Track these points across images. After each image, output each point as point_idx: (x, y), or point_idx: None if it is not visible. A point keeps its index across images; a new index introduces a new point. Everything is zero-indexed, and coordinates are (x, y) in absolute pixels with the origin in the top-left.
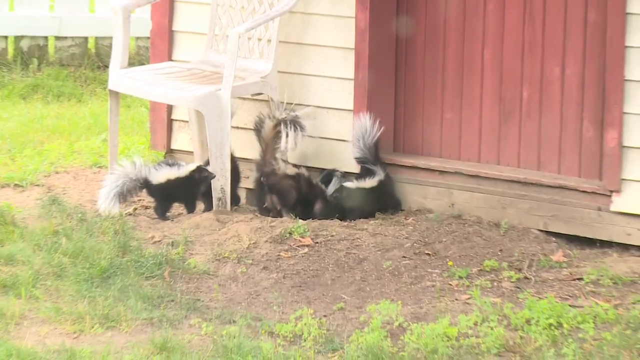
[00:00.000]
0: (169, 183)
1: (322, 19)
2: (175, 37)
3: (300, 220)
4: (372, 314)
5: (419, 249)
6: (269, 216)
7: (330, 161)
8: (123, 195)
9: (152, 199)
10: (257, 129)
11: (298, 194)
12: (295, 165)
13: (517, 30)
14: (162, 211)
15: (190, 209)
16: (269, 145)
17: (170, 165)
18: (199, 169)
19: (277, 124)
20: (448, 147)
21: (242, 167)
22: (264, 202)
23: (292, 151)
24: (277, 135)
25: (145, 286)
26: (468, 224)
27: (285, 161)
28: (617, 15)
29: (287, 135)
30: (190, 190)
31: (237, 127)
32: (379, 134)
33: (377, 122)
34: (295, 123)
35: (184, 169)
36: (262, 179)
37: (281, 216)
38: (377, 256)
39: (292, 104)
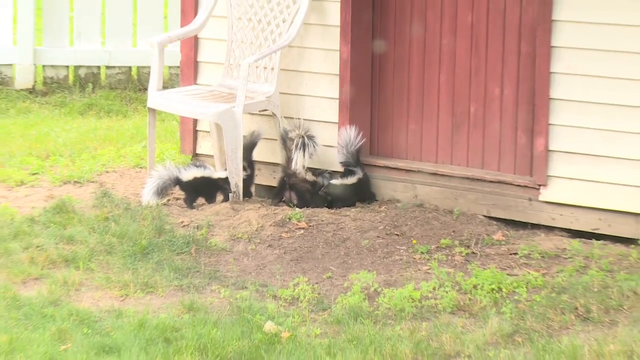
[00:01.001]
0: (196, 180)
1: (314, 51)
2: (200, 66)
3: (297, 209)
4: (353, 281)
5: (389, 231)
6: (276, 206)
7: (320, 162)
8: (160, 192)
9: (182, 193)
10: (283, 140)
11: (310, 196)
12: (314, 174)
13: (466, 59)
14: (189, 202)
15: (211, 201)
16: (292, 153)
17: (197, 166)
18: (226, 179)
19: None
20: (412, 151)
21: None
22: (282, 196)
23: (303, 168)
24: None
25: (176, 260)
26: (428, 211)
27: (306, 169)
28: (544, 47)
29: (297, 156)
30: (212, 188)
31: None
32: (360, 143)
33: (360, 134)
34: (308, 142)
35: (210, 171)
36: (285, 178)
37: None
38: (357, 236)
39: (299, 118)
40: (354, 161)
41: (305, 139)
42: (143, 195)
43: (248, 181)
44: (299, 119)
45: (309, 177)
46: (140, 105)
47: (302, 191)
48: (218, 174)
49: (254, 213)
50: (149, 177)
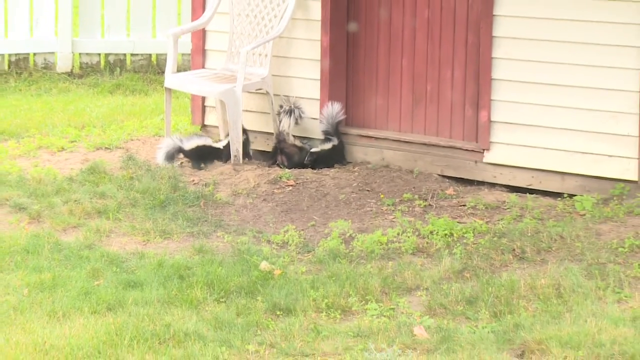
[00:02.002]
0: (197, 148)
1: (300, 41)
2: (207, 53)
3: (287, 170)
4: (333, 228)
5: (362, 187)
6: (270, 167)
7: (305, 131)
8: (168, 158)
9: (186, 159)
10: (278, 113)
11: (298, 159)
12: (299, 139)
13: (423, 47)
14: (194, 166)
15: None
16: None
17: (198, 137)
18: (227, 146)
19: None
20: (380, 121)
21: (250, 135)
22: (275, 159)
23: (288, 128)
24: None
25: (188, 212)
26: (393, 171)
27: (294, 136)
28: (487, 37)
29: (282, 120)
30: (210, 155)
31: (249, 111)
32: (341, 118)
33: (342, 110)
34: (295, 110)
35: (208, 140)
36: (277, 145)
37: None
38: (336, 192)
39: (288, 96)
40: (332, 131)
41: (292, 106)
42: (157, 157)
43: (245, 145)
44: (288, 96)
45: (297, 143)
46: (159, 86)
47: (291, 154)
48: (216, 143)
49: (251, 173)
50: (158, 147)
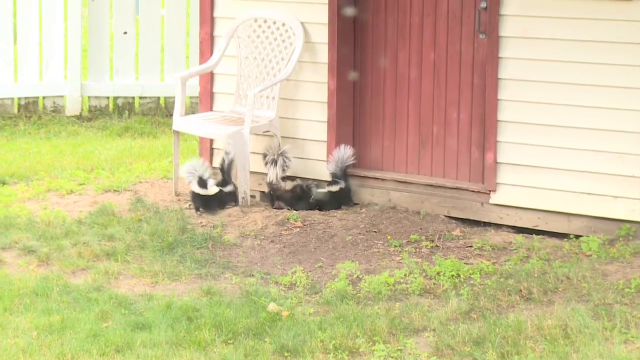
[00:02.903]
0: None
1: (307, 84)
2: (215, 96)
3: (294, 211)
4: (340, 269)
5: (369, 229)
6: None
7: (312, 174)
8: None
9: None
10: (266, 162)
11: (295, 200)
12: (292, 179)
13: (429, 89)
14: (196, 208)
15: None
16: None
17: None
18: (221, 192)
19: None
20: (386, 163)
21: (257, 178)
22: (274, 205)
23: (276, 178)
24: (276, 168)
25: (196, 253)
26: (400, 212)
27: (285, 180)
28: (493, 79)
29: (270, 171)
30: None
31: (257, 153)
32: (350, 162)
33: (353, 155)
34: (281, 158)
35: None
36: (271, 192)
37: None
38: (343, 233)
39: (282, 146)
40: (341, 174)
41: (276, 155)
42: (182, 171)
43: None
44: (283, 141)
45: (288, 185)
46: (167, 128)
47: (288, 199)
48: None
49: (259, 215)
50: (188, 168)
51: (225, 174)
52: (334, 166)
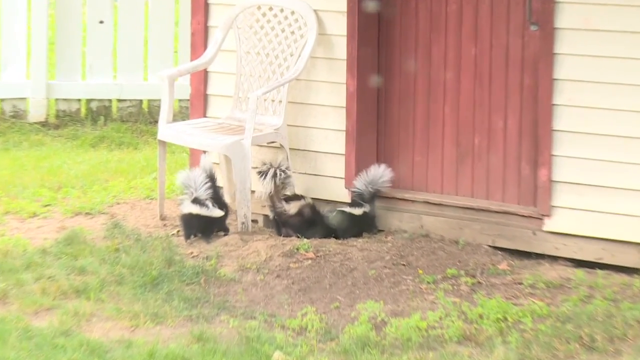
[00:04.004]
0: (189, 216)
1: (321, 84)
2: (209, 99)
3: (305, 239)
4: (361, 311)
5: (396, 261)
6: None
7: (326, 193)
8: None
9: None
10: (259, 176)
11: (304, 224)
12: (299, 197)
13: (469, 90)
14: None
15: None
16: (274, 190)
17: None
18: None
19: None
20: (418, 182)
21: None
22: (280, 232)
23: (266, 194)
24: (278, 184)
25: (186, 290)
26: (434, 241)
27: (289, 200)
28: (547, 80)
29: (263, 185)
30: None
31: (257, 168)
32: (384, 187)
33: (390, 179)
34: (275, 169)
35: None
36: (275, 218)
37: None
38: (364, 266)
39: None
40: (368, 197)
41: (270, 166)
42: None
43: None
44: (300, 150)
45: (294, 208)
46: (151, 138)
47: (293, 224)
48: (212, 211)
49: (262, 244)
50: (185, 180)
51: (222, 194)
52: (363, 185)
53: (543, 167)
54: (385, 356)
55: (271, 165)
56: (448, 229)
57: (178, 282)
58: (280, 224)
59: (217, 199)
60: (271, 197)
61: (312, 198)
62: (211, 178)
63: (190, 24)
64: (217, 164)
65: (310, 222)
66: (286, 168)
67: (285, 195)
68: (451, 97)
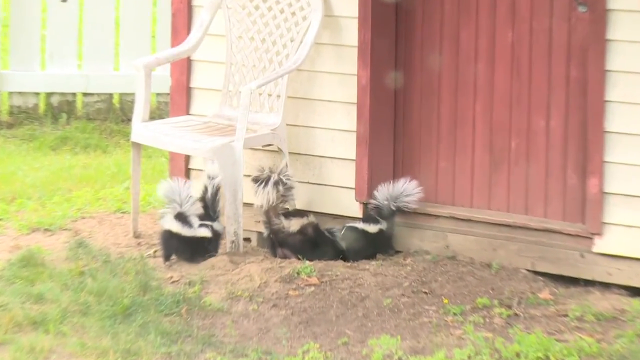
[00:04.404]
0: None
1: (327, 76)
2: (193, 93)
3: (307, 262)
4: (374, 348)
5: (416, 288)
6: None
7: (333, 206)
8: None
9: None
10: (256, 184)
11: (306, 245)
12: (301, 213)
13: (505, 85)
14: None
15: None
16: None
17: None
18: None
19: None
20: (443, 193)
21: (254, 213)
22: (276, 253)
23: (266, 206)
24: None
25: (164, 323)
26: (462, 264)
27: (289, 216)
28: (597, 72)
29: (259, 194)
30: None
31: (250, 176)
32: (412, 204)
33: (419, 195)
34: (276, 175)
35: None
36: (271, 236)
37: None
38: (378, 294)
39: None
40: (387, 213)
41: (274, 176)
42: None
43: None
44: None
45: (295, 225)
46: (123, 139)
47: (293, 245)
48: (196, 230)
49: (256, 267)
50: (168, 191)
51: (210, 207)
52: (384, 199)
53: (593, 176)
54: None
55: (271, 171)
56: (479, 250)
57: (155, 312)
58: (276, 244)
59: (214, 216)
60: (267, 212)
61: (316, 212)
62: (211, 191)
63: (171, 3)
64: (202, 170)
65: (312, 243)
66: (289, 177)
67: (284, 209)
68: (483, 93)
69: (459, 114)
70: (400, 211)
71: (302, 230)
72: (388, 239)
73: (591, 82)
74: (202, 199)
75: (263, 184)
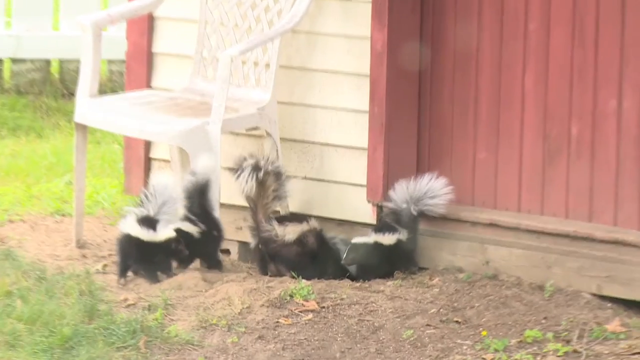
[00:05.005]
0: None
1: (332, 40)
2: (156, 60)
3: (304, 281)
4: None
5: (446, 316)
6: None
7: (337, 209)
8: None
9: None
10: (237, 172)
11: (305, 259)
12: (299, 217)
13: (565, 53)
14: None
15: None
16: (258, 202)
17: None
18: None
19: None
20: (481, 193)
21: (235, 217)
22: (267, 270)
23: (251, 192)
24: (265, 190)
25: (117, 358)
26: (505, 285)
27: (284, 221)
28: None
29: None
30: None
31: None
32: (438, 209)
33: (448, 196)
34: (267, 164)
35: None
36: (260, 246)
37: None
38: (396, 324)
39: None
40: (407, 219)
41: (252, 163)
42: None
43: (213, 243)
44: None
45: (291, 233)
46: (64, 120)
47: (289, 260)
48: (157, 233)
49: (236, 287)
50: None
51: (196, 206)
52: (402, 200)
53: None
54: None
55: (251, 157)
56: (528, 268)
57: (104, 345)
58: (267, 257)
59: (210, 222)
60: (254, 214)
61: (314, 217)
62: (201, 192)
63: None
64: (168, 161)
65: (314, 256)
66: (278, 166)
67: (276, 213)
68: (535, 63)
69: (503, 90)
70: (424, 216)
71: (300, 240)
72: (409, 252)
73: None
74: (189, 198)
75: (239, 173)
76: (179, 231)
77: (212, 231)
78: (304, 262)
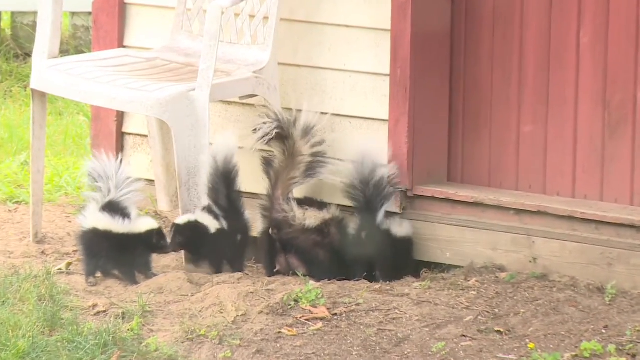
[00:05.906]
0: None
1: None
2: (129, 12)
3: (312, 282)
4: None
5: (485, 325)
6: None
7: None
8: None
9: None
10: (267, 159)
11: (324, 252)
12: (320, 204)
13: (629, 2)
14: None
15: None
16: (281, 177)
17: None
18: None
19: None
20: (527, 174)
21: None
22: (274, 262)
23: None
24: (294, 164)
25: None
26: (557, 287)
27: (303, 204)
28: None
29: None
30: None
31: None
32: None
33: None
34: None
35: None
36: (273, 233)
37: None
38: (424, 335)
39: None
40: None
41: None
42: None
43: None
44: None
45: (312, 218)
46: (18, 86)
47: (306, 251)
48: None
49: (229, 289)
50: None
51: (223, 197)
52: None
53: None
54: None
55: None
56: (584, 265)
57: None
58: (278, 246)
59: (235, 220)
60: (272, 189)
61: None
62: (227, 175)
63: None
64: (145, 136)
65: (334, 250)
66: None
67: (292, 196)
68: (592, 16)
69: (553, 48)
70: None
71: (322, 229)
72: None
73: None
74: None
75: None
76: (192, 223)
77: (235, 232)
78: (322, 255)
